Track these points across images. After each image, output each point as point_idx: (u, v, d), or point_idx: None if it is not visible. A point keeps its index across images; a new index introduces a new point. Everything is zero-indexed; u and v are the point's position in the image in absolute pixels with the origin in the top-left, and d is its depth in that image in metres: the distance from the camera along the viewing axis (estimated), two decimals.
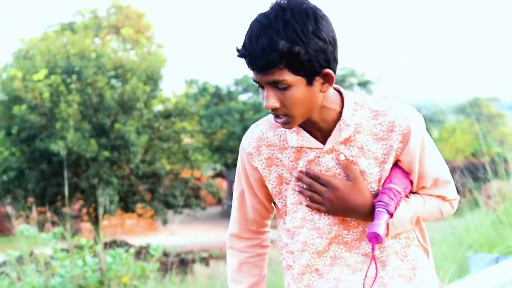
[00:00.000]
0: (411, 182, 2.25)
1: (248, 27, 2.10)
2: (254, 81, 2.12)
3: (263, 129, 2.27)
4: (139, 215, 23.66)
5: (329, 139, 2.19)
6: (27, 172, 21.25)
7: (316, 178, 2.20)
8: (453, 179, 2.36)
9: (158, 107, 23.15)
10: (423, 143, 2.23)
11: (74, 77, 21.04)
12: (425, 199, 2.30)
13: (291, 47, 2.02)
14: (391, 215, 2.17)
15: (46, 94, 20.65)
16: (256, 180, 2.29)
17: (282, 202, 2.28)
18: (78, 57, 21.58)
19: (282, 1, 2.08)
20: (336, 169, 2.21)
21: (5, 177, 21.44)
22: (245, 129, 26.63)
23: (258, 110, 31.84)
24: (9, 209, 21.51)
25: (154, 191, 22.60)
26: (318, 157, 2.21)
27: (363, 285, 2.21)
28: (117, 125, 20.98)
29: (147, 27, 25.33)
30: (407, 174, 2.25)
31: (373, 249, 2.18)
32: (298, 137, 2.21)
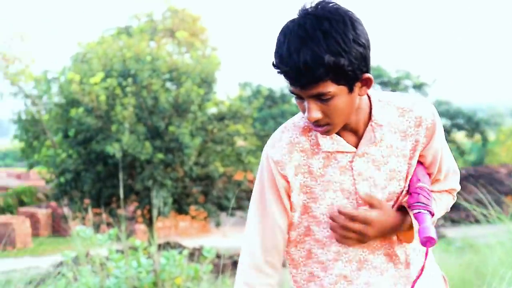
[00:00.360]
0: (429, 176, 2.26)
1: (281, 38, 2.02)
2: (292, 92, 2.07)
3: (293, 134, 2.20)
4: (193, 217, 23.78)
5: (363, 141, 2.16)
6: (83, 174, 21.52)
7: (352, 218, 2.13)
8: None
9: (212, 110, 23.23)
10: (442, 136, 2.24)
11: (129, 80, 21.27)
12: (436, 198, 2.30)
13: (336, 60, 1.96)
14: (433, 214, 2.16)
15: (103, 97, 20.91)
16: (285, 189, 2.19)
17: (296, 214, 2.22)
18: (134, 61, 21.81)
19: (311, 8, 2.01)
20: (368, 173, 2.17)
21: (62, 179, 21.76)
22: None
23: None
24: (65, 210, 21.86)
25: (207, 193, 22.69)
26: (351, 161, 2.17)
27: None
28: (171, 128, 21.13)
29: (202, 30, 25.47)
30: (426, 168, 2.24)
31: (427, 253, 2.17)
32: (332, 142, 2.17)
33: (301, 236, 2.24)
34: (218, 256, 15.79)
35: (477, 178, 31.57)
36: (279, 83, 33.29)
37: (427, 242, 2.09)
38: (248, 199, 23.52)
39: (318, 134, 2.16)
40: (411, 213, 2.16)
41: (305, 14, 2.01)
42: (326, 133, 2.10)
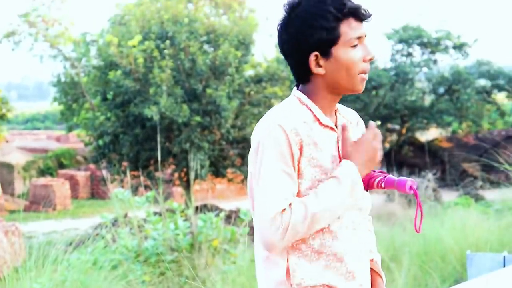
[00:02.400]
0: None
1: None
2: (357, 38, 2.30)
3: (296, 108, 2.31)
4: (229, 180, 23.86)
5: (339, 120, 2.39)
6: (122, 136, 21.64)
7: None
8: None
9: (249, 72, 23.14)
10: None
11: (167, 42, 21.24)
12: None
13: None
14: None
15: (140, 60, 20.93)
16: (297, 159, 2.25)
17: (306, 184, 2.28)
18: (171, 23, 21.76)
19: None
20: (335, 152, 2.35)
21: (100, 142, 21.93)
22: None
23: None
24: (104, 172, 22.07)
25: (244, 156, 22.69)
26: (337, 140, 2.35)
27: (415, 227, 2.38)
28: (208, 90, 21.12)
29: None
30: None
31: (417, 196, 2.33)
32: (328, 118, 2.34)
33: None
34: None
35: None
36: None
37: (411, 188, 2.29)
38: None
39: (316, 110, 2.31)
40: (376, 180, 2.34)
41: None
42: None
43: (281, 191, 2.21)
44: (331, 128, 2.32)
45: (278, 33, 2.36)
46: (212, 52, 22.11)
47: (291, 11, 2.31)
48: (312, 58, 2.28)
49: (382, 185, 2.34)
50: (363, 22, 2.32)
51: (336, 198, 2.24)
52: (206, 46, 22.66)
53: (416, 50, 31.66)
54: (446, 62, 32.35)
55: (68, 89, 26.86)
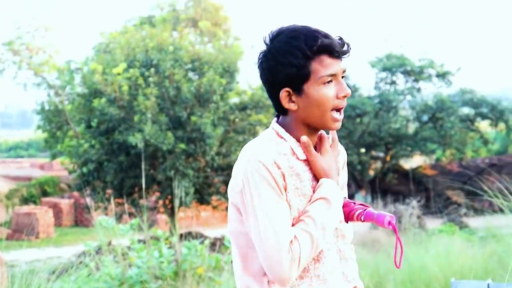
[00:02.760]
0: None
1: (312, 31, 2.28)
2: (330, 75, 2.26)
3: (273, 142, 2.31)
4: (214, 207, 23.78)
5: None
6: (106, 164, 21.53)
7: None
8: None
9: (234, 100, 23.16)
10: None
11: (152, 70, 21.24)
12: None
13: None
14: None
15: (125, 87, 20.91)
16: (284, 188, 2.25)
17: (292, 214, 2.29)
18: (156, 51, 21.79)
19: None
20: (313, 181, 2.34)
21: (84, 169, 21.82)
22: None
23: None
24: (88, 200, 21.94)
25: (229, 183, 22.58)
26: (308, 171, 2.34)
27: (395, 262, 2.36)
28: (193, 118, 21.11)
29: (224, 20, 25.43)
30: None
31: (396, 230, 2.34)
32: (303, 152, 2.33)
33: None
34: None
35: (501, 167, 31.32)
36: None
37: (390, 223, 2.30)
38: None
39: (294, 144, 2.31)
40: (356, 213, 2.36)
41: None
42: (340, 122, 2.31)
43: (284, 224, 2.21)
44: (304, 161, 2.33)
45: (257, 65, 2.35)
46: (197, 79, 22.12)
47: (268, 44, 2.31)
48: (283, 94, 2.28)
49: (362, 218, 2.35)
50: (340, 58, 2.28)
51: (331, 219, 2.26)
52: (191, 74, 22.68)
53: (400, 78, 31.88)
54: (429, 90, 32.60)
55: (52, 116, 26.76)
